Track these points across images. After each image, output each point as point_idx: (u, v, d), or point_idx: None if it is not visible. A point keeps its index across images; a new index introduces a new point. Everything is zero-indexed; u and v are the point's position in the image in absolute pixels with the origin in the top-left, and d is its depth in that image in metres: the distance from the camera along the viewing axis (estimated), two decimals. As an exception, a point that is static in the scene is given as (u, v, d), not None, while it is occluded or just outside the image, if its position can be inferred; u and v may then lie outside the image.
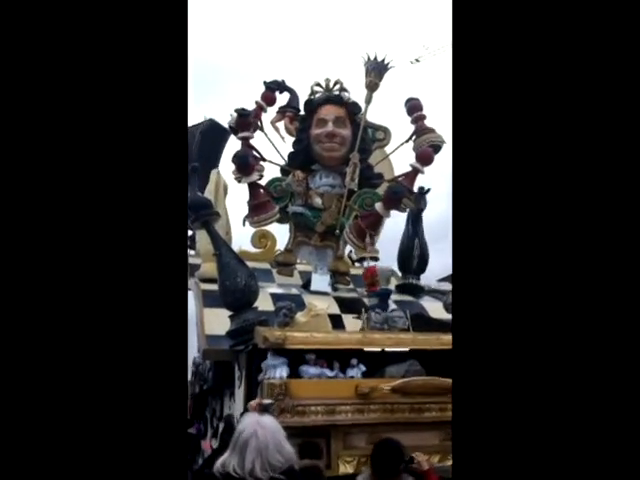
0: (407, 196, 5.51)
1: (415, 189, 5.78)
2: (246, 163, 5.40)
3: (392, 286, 6.16)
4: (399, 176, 5.85)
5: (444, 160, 5.39)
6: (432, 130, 5.77)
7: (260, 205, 5.51)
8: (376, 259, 6.84)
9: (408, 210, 5.83)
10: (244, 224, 5.62)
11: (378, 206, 5.42)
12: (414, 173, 5.58)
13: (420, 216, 6.13)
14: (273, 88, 5.91)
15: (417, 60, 27.39)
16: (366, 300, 5.34)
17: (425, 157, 5.55)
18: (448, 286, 6.08)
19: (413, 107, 5.91)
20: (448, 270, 4.77)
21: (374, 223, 5.50)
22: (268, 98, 5.89)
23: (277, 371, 3.87)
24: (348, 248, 6.18)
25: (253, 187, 5.52)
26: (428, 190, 6.07)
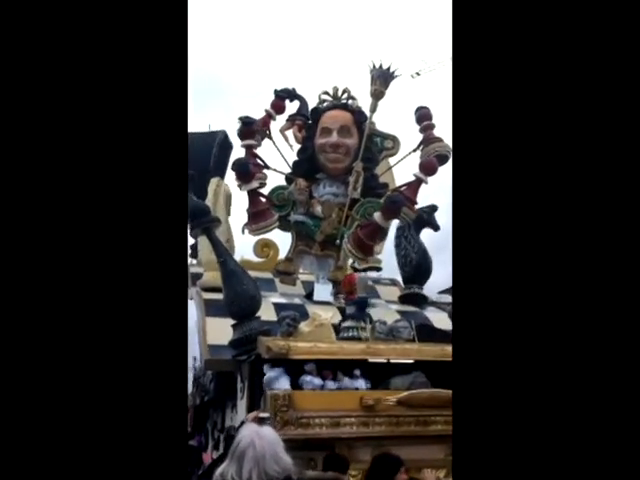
0: (408, 206, 5.39)
1: (418, 200, 5.69)
2: (245, 170, 5.35)
3: (395, 297, 6.11)
4: (402, 186, 5.78)
5: (445, 172, 5.35)
6: (440, 139, 5.67)
7: (259, 213, 5.44)
8: (378, 269, 6.81)
9: (409, 220, 5.72)
10: (243, 232, 5.56)
11: (377, 216, 5.28)
12: (417, 183, 5.48)
13: (421, 228, 6.08)
14: (283, 96, 5.86)
15: (417, 74, 27.48)
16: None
17: (429, 167, 5.45)
18: (448, 298, 6.02)
19: (422, 116, 5.83)
20: (448, 282, 4.71)
21: (372, 233, 5.37)
22: (277, 106, 5.83)
23: (278, 383, 3.81)
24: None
25: (253, 195, 5.46)
26: (436, 208, 6.02)
